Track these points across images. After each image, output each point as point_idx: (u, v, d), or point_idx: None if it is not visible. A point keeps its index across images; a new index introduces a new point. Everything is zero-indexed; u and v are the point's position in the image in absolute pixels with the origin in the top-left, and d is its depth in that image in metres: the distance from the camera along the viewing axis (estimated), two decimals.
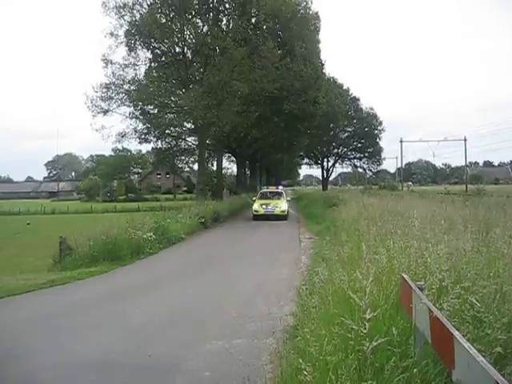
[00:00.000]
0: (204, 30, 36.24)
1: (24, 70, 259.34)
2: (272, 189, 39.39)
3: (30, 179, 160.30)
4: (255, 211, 32.84)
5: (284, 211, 32.61)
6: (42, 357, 7.06)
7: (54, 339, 7.95)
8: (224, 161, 60.32)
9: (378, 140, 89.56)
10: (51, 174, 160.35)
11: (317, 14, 44.07)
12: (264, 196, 36.19)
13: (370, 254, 6.83)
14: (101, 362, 6.80)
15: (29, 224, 37.99)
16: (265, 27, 36.79)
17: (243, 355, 6.65)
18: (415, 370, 4.26)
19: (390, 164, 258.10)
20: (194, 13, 35.72)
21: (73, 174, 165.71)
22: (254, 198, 35.72)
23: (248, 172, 69.33)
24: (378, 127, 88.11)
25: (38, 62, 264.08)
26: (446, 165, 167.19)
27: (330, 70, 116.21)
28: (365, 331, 4.29)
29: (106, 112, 35.82)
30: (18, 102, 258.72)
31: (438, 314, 4.13)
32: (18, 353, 7.29)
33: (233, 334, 7.80)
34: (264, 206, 32.89)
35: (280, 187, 40.66)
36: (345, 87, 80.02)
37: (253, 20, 37.42)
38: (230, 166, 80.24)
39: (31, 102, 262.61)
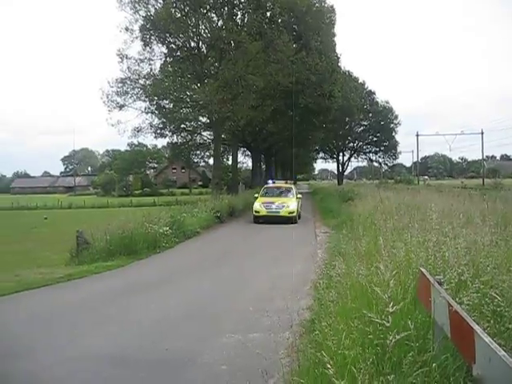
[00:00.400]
0: (219, 24, 36.17)
1: (41, 66, 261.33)
2: (280, 183, 32.31)
3: (46, 174, 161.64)
4: (256, 212, 26.81)
5: (293, 212, 26.37)
6: (58, 350, 7.11)
7: (70, 333, 8.01)
8: (239, 155, 60.42)
9: (393, 134, 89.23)
10: (68, 169, 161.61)
11: (332, 7, 44.08)
12: (269, 192, 29.45)
13: (387, 248, 6.79)
14: (117, 356, 6.83)
15: (46, 218, 38.35)
16: (280, 21, 36.70)
17: (260, 349, 6.61)
18: (434, 364, 4.22)
19: (405, 158, 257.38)
20: (208, 7, 35.70)
21: (89, 168, 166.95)
22: (257, 195, 28.88)
23: (263, 166, 69.28)
24: (394, 121, 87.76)
25: (55, 57, 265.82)
26: (462, 158, 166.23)
27: (346, 63, 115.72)
28: (388, 324, 4.27)
29: (121, 107, 36.00)
30: (35, 98, 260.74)
31: (457, 308, 4.08)
32: (33, 346, 7.35)
33: (249, 328, 7.80)
34: (267, 206, 26.74)
35: (290, 180, 33.82)
36: (360, 81, 79.74)
37: (268, 14, 37.36)
38: (245, 161, 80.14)
39: (47, 98, 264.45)
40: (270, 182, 33.01)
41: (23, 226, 32.41)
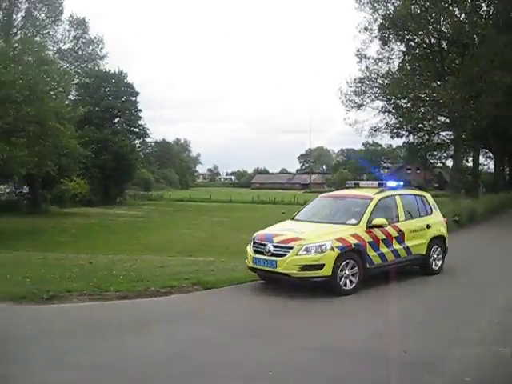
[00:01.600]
0: (461, 18, 34.57)
1: (283, 66, 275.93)
2: (364, 188, 13.22)
3: (284, 171, 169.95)
4: (247, 258, 11.27)
5: (315, 264, 9.87)
6: (290, 340, 7.51)
7: (306, 324, 8.43)
8: (480, 157, 56.90)
9: None
10: (303, 167, 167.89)
11: None
12: (314, 209, 12.96)
13: None
14: (355, 351, 6.96)
15: (283, 213, 40.49)
16: None
17: (505, 364, 6.23)
18: None
19: None
20: (450, 1, 34.34)
21: (323, 167, 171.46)
22: (295, 215, 12.84)
23: (507, 169, 64.33)
24: None
25: (297, 58, 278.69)
26: None
27: None
28: None
29: (359, 106, 36.67)
30: (277, 98, 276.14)
31: None
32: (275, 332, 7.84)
33: (495, 340, 7.33)
34: (259, 245, 10.82)
35: (392, 183, 12.99)
36: None
37: None
38: (486, 163, 75.35)
39: (287, 98, 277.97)
40: (348, 183, 15.55)
41: (263, 218, 34.76)
